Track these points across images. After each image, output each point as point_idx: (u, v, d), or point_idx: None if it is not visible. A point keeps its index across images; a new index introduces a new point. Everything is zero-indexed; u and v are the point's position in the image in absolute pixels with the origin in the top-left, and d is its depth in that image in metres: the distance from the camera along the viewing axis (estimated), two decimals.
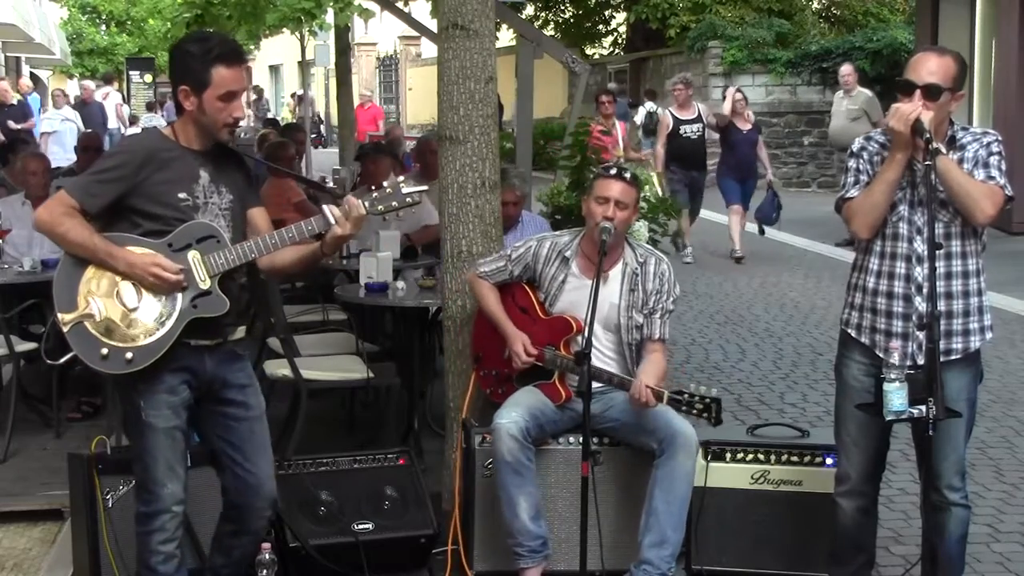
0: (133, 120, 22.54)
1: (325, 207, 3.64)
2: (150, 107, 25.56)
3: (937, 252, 3.47)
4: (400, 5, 14.28)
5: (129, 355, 3.50)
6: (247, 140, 15.29)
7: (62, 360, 3.60)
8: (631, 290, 4.40)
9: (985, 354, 3.89)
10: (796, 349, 8.20)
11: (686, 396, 4.18)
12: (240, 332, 3.75)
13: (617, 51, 26.53)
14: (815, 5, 23.23)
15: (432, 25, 10.23)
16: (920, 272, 3.61)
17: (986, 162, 3.64)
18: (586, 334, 4.02)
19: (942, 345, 3.51)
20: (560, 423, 4.38)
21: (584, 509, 3.91)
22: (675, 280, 4.48)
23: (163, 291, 3.52)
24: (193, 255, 3.55)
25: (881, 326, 3.71)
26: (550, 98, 23.77)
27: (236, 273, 3.68)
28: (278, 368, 5.51)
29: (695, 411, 4.18)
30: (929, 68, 3.59)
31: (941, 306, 3.53)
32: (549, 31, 24.82)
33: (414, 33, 20.04)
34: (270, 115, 31.04)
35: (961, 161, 3.64)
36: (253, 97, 35.45)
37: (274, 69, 42.93)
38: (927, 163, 3.43)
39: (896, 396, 3.44)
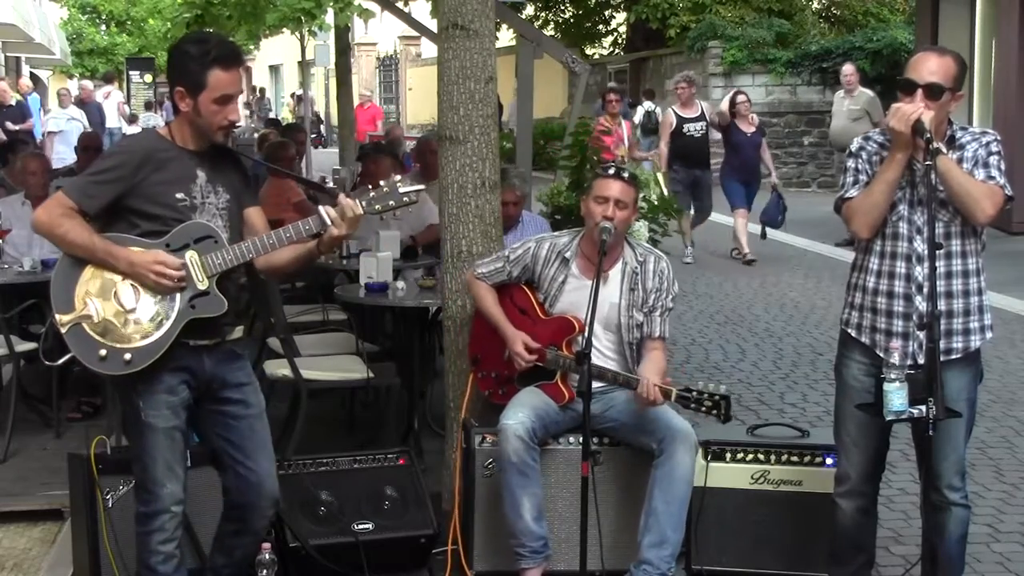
0: (133, 119, 22.54)
1: (321, 208, 3.64)
2: (148, 106, 25.57)
3: (937, 252, 3.47)
4: (400, 5, 14.28)
5: (128, 356, 3.50)
6: (247, 140, 15.29)
7: (60, 361, 3.59)
8: (631, 289, 4.40)
9: (985, 354, 3.89)
10: (796, 349, 8.20)
11: (694, 393, 4.18)
12: (238, 332, 3.75)
13: (617, 51, 26.52)
14: (815, 5, 23.22)
15: (432, 25, 10.22)
16: (920, 271, 3.61)
17: (986, 162, 3.64)
18: (586, 334, 4.02)
19: (942, 344, 3.51)
20: (562, 423, 4.38)
21: (584, 509, 3.91)
22: (674, 278, 4.48)
23: (164, 291, 3.52)
24: (191, 255, 3.55)
25: (881, 326, 3.71)
26: (550, 98, 23.77)
27: (234, 273, 3.68)
28: (278, 368, 5.51)
29: (704, 408, 4.18)
30: (930, 68, 3.59)
31: (941, 305, 3.53)
32: (549, 31, 24.81)
33: (414, 33, 20.04)
34: (272, 115, 31.05)
35: (960, 161, 3.64)
36: (256, 96, 35.50)
37: (274, 69, 42.93)
38: (927, 163, 3.43)
39: (896, 396, 3.44)
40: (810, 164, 19.24)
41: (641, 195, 7.17)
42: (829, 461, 4.31)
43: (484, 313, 4.54)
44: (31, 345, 6.24)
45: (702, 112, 12.12)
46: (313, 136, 23.15)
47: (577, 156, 7.43)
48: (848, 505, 3.88)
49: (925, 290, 3.55)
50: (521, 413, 4.23)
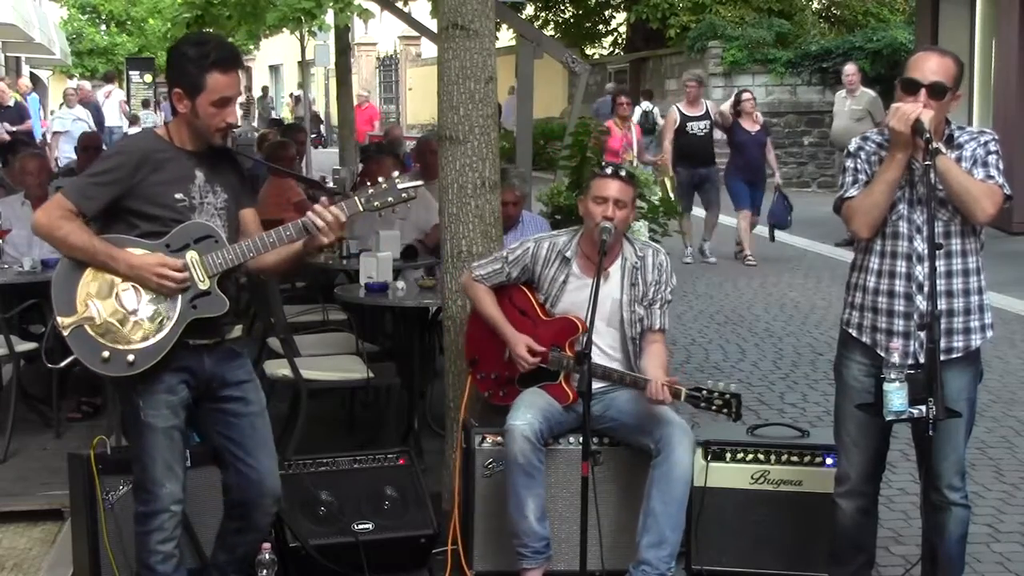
0: (134, 120, 22.56)
1: (309, 212, 3.62)
2: (146, 105, 25.58)
3: (937, 251, 3.47)
4: (400, 5, 14.28)
5: (131, 357, 3.50)
6: (247, 140, 15.30)
7: (63, 363, 3.59)
8: (632, 284, 4.40)
9: (985, 354, 3.89)
10: (796, 349, 8.20)
11: (704, 392, 4.18)
12: (238, 331, 3.77)
13: (617, 51, 26.52)
14: (815, 5, 23.22)
15: (432, 25, 10.22)
16: (921, 270, 3.61)
17: (985, 161, 3.65)
18: (588, 334, 4.02)
19: (943, 344, 3.51)
20: (566, 424, 4.38)
21: (584, 509, 3.91)
22: (672, 271, 4.49)
23: (166, 293, 3.52)
24: (191, 255, 3.55)
25: (882, 325, 3.71)
26: (550, 98, 23.77)
27: (234, 272, 3.68)
28: (278, 368, 5.51)
29: (714, 407, 4.17)
30: (932, 67, 3.60)
31: (942, 304, 3.54)
32: (549, 31, 24.81)
33: (414, 33, 20.04)
34: (275, 115, 31.04)
35: (959, 160, 3.65)
36: (258, 96, 35.48)
37: (274, 69, 42.93)
38: (927, 163, 3.43)
39: (896, 396, 3.44)
40: (810, 164, 19.24)
41: (640, 192, 7.17)
42: (829, 461, 4.31)
43: (484, 315, 4.52)
44: (31, 345, 6.24)
45: (707, 111, 12.06)
46: (313, 136, 23.16)
47: (577, 156, 7.43)
48: (848, 505, 3.88)
49: (925, 289, 3.56)
50: (529, 414, 4.23)
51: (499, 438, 4.35)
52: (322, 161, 21.41)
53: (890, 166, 3.61)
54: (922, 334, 3.57)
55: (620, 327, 4.40)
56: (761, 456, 4.43)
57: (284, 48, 32.91)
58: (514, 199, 6.10)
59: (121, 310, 3.51)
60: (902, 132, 3.53)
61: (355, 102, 21.13)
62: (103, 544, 4.12)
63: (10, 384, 6.16)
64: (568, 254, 4.45)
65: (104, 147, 10.06)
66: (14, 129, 15.93)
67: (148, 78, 30.30)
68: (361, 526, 4.41)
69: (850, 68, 13.33)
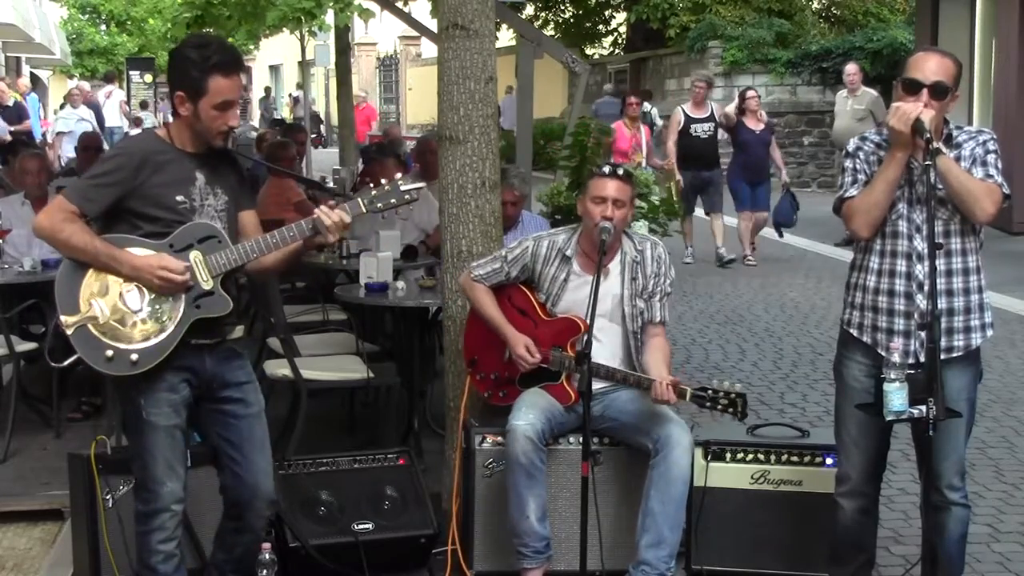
0: (137, 122, 22.59)
1: (317, 211, 3.64)
2: (144, 106, 25.59)
3: (937, 251, 3.47)
4: (400, 5, 14.28)
5: (134, 357, 3.51)
6: (246, 141, 15.31)
7: (67, 362, 3.59)
8: (632, 278, 4.41)
9: (985, 354, 3.89)
10: (796, 349, 8.20)
11: (710, 392, 4.17)
12: (239, 331, 3.76)
13: (617, 51, 26.53)
14: (815, 5, 23.23)
15: (432, 25, 10.23)
16: (921, 270, 3.62)
17: (984, 160, 3.65)
18: (588, 334, 4.02)
19: (943, 343, 3.52)
20: (567, 424, 4.38)
21: (584, 509, 3.91)
22: (671, 263, 4.49)
23: (169, 292, 3.52)
24: (195, 255, 3.56)
25: (883, 324, 3.71)
26: (550, 98, 23.78)
27: (235, 273, 3.69)
28: (278, 368, 5.51)
29: (720, 407, 4.16)
30: (932, 68, 3.60)
31: (942, 303, 3.54)
32: (549, 31, 24.82)
33: (414, 33, 20.05)
34: (277, 115, 31.03)
35: (958, 159, 3.65)
36: (260, 96, 35.47)
37: (274, 69, 42.93)
38: (927, 163, 3.43)
39: (896, 396, 3.44)
40: (810, 164, 19.25)
41: (639, 192, 7.15)
42: (829, 461, 4.31)
43: (483, 316, 4.51)
44: (31, 345, 6.24)
45: (712, 113, 11.96)
46: (313, 136, 23.17)
47: (577, 156, 7.44)
48: (849, 505, 3.88)
49: (926, 288, 3.56)
50: (531, 414, 4.23)
51: (499, 438, 4.35)
52: (322, 161, 21.41)
53: (890, 165, 3.61)
54: (923, 333, 3.57)
55: (622, 322, 4.40)
56: (761, 456, 4.43)
57: (284, 48, 32.90)
58: (514, 199, 6.10)
59: (124, 309, 3.51)
60: (902, 132, 3.54)
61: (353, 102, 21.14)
62: (103, 544, 4.12)
63: (10, 384, 6.16)
64: (568, 252, 4.45)
65: (105, 147, 10.08)
66: (12, 129, 15.94)
67: (148, 78, 30.32)
68: (361, 526, 4.40)
69: (851, 68, 13.28)
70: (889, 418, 3.48)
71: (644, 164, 11.76)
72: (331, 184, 10.68)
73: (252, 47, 28.45)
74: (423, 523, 4.49)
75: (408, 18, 12.76)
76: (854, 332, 3.80)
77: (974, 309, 3.70)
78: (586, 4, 25.71)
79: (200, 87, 3.51)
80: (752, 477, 4.42)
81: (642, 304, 4.40)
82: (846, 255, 9.92)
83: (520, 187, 6.28)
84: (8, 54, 24.83)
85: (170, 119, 3.72)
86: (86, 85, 22.56)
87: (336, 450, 4.72)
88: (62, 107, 19.80)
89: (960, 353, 3.69)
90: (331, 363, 5.72)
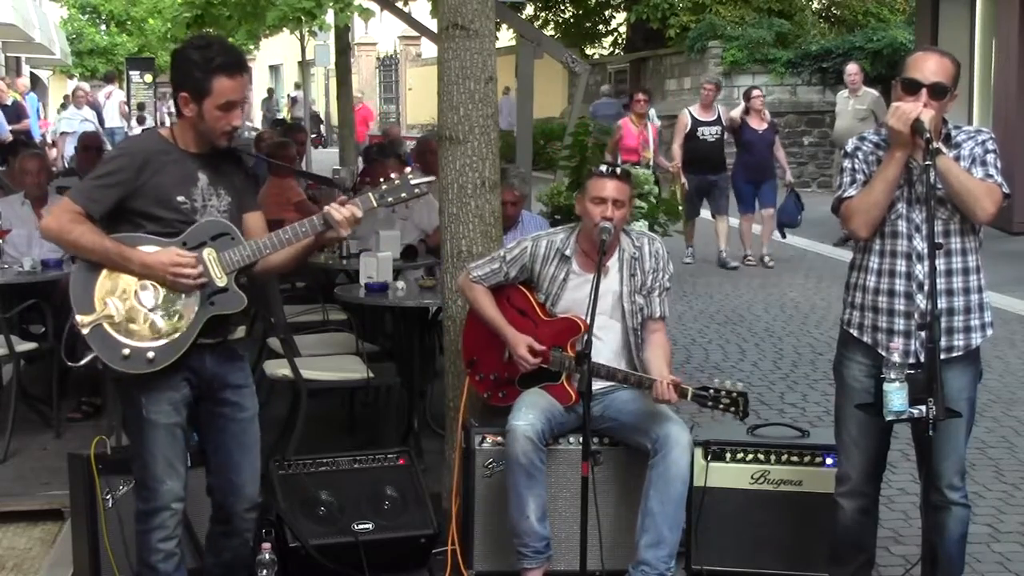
0: (141, 121, 22.61)
1: (327, 208, 3.65)
2: (141, 107, 25.60)
3: (937, 251, 3.47)
4: (400, 5, 14.28)
5: (151, 355, 3.51)
6: (245, 140, 15.31)
7: (83, 361, 3.59)
8: (631, 275, 4.41)
9: (985, 354, 3.89)
10: (796, 349, 8.20)
11: (711, 392, 4.17)
12: (241, 331, 3.76)
13: (617, 51, 26.52)
14: (815, 5, 23.21)
15: (432, 25, 10.23)
16: (921, 269, 3.62)
17: (983, 160, 3.66)
18: (588, 334, 4.02)
19: (943, 342, 3.52)
20: (567, 424, 4.38)
21: (584, 509, 3.91)
22: (669, 258, 4.50)
23: (182, 289, 3.53)
24: (208, 253, 3.57)
25: (883, 324, 3.71)
26: (550, 98, 23.78)
27: (247, 270, 3.69)
28: (278, 368, 5.51)
29: (721, 406, 4.16)
30: (932, 68, 3.61)
31: (942, 303, 3.54)
32: (549, 31, 24.81)
33: (414, 33, 20.05)
34: (280, 115, 31.02)
35: (957, 159, 3.65)
36: (263, 96, 35.48)
37: (274, 69, 42.95)
38: (927, 163, 3.43)
39: (896, 396, 3.44)
40: (810, 164, 19.23)
41: (639, 192, 7.15)
42: (829, 461, 4.31)
43: (483, 317, 4.50)
44: (31, 345, 6.24)
45: (718, 116, 11.88)
46: (313, 136, 23.18)
47: (577, 156, 7.44)
48: (849, 505, 3.88)
49: (926, 288, 3.56)
50: (531, 415, 4.23)
51: (499, 438, 4.35)
52: (322, 161, 21.40)
53: (890, 164, 3.61)
54: (923, 333, 3.57)
55: (622, 319, 4.40)
56: (761, 456, 4.43)
57: (284, 48, 32.91)
58: (513, 199, 6.10)
59: (139, 308, 3.52)
60: (901, 131, 3.54)
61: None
62: (103, 544, 4.12)
63: (10, 384, 6.16)
64: (567, 252, 4.44)
65: (104, 147, 10.07)
66: (10, 128, 15.94)
67: (148, 78, 30.28)
68: (361, 526, 4.41)
69: (852, 68, 13.23)
70: (889, 418, 3.48)
71: (652, 162, 11.68)
72: None
73: (252, 47, 28.46)
74: (423, 523, 4.50)
75: (408, 18, 12.76)
76: (854, 332, 3.80)
77: (974, 308, 3.71)
78: (586, 4, 25.70)
79: (204, 88, 3.52)
80: (752, 477, 4.42)
81: (641, 300, 4.40)
82: (846, 255, 9.94)
83: (520, 187, 6.28)
84: (8, 54, 24.83)
85: (166, 120, 3.72)
86: (86, 86, 22.56)
87: (336, 450, 4.72)
88: (62, 107, 19.82)
89: (960, 353, 3.69)
90: (331, 363, 5.72)
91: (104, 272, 3.53)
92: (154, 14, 30.99)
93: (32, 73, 27.41)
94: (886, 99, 12.80)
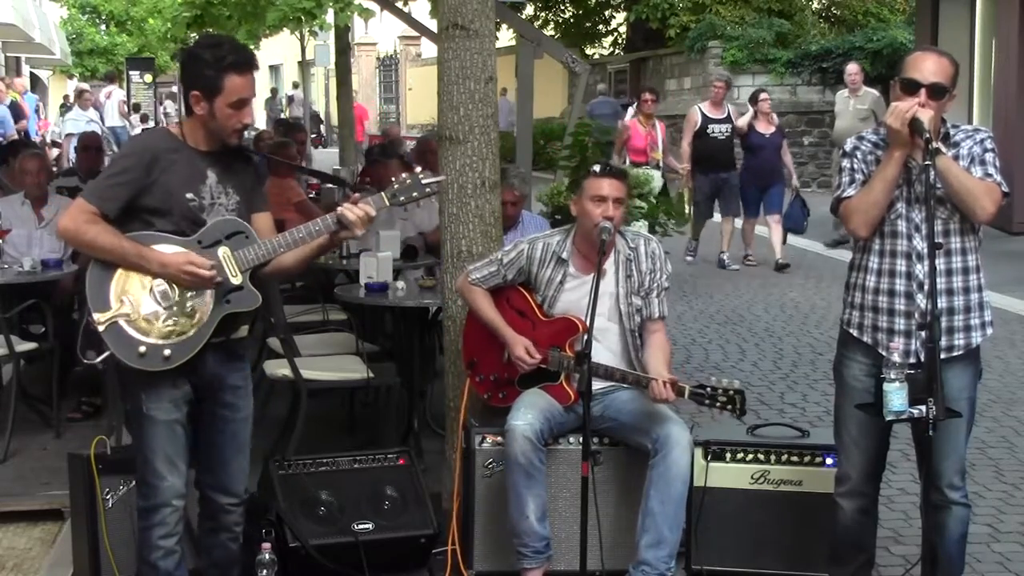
0: (145, 119, 22.63)
1: (340, 207, 3.66)
2: (136, 108, 25.62)
3: (937, 250, 3.47)
4: (400, 5, 14.29)
5: (167, 352, 3.52)
6: (246, 140, 15.35)
7: (99, 359, 3.59)
8: (628, 276, 4.40)
9: (985, 354, 3.89)
10: (796, 349, 8.20)
11: (708, 390, 4.16)
12: (243, 331, 3.77)
13: (617, 51, 26.53)
14: (815, 5, 23.21)
15: (432, 25, 10.23)
16: (921, 269, 3.62)
17: (982, 159, 3.66)
18: (588, 334, 4.02)
19: (944, 342, 3.52)
20: (567, 424, 4.38)
21: (584, 509, 3.91)
22: (666, 258, 4.49)
23: (197, 288, 3.54)
24: (223, 251, 3.58)
25: (883, 324, 3.71)
26: (550, 98, 23.78)
27: (261, 268, 3.70)
28: (278, 368, 5.51)
29: (718, 404, 4.15)
30: (930, 68, 3.61)
31: (942, 303, 3.54)
32: (549, 31, 24.82)
33: (414, 33, 20.06)
34: (283, 115, 31.03)
35: (956, 158, 3.65)
36: (266, 96, 35.46)
37: (274, 69, 42.95)
38: (926, 163, 3.43)
39: (896, 396, 3.44)
40: (810, 164, 19.22)
41: (639, 192, 7.15)
42: (829, 461, 4.31)
43: (482, 318, 4.50)
44: (31, 345, 6.24)
45: (729, 114, 11.79)
46: (313, 136, 23.18)
47: (577, 156, 7.44)
48: (849, 505, 3.88)
49: (926, 288, 3.56)
50: (530, 414, 4.23)
51: (499, 438, 4.35)
52: (322, 161, 21.42)
53: (889, 164, 3.61)
54: (923, 333, 3.57)
55: (619, 321, 4.40)
56: (761, 456, 4.43)
57: (284, 48, 32.92)
58: (513, 199, 6.10)
59: (156, 305, 3.53)
60: (900, 131, 3.54)
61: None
62: (103, 544, 4.12)
63: (10, 384, 6.16)
64: (564, 255, 4.44)
65: (104, 147, 10.07)
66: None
67: (148, 78, 30.29)
68: (361, 526, 4.40)
69: (853, 68, 13.18)
70: (889, 418, 3.48)
71: (660, 162, 11.63)
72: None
73: (252, 47, 28.48)
74: (423, 523, 4.50)
75: (408, 18, 12.77)
76: (854, 332, 3.80)
77: (974, 308, 3.71)
78: (586, 4, 25.70)
79: (215, 86, 3.53)
80: (752, 477, 4.42)
81: (639, 301, 4.40)
82: (846, 255, 9.94)
83: (520, 187, 6.28)
84: (8, 54, 24.83)
85: (163, 119, 3.73)
86: (86, 86, 22.60)
87: (336, 450, 4.72)
88: (63, 107, 19.83)
89: (960, 352, 3.69)
90: (331, 363, 5.72)
91: (120, 270, 3.54)
92: (154, 14, 30.99)
93: (32, 73, 27.41)
94: (886, 99, 12.80)
